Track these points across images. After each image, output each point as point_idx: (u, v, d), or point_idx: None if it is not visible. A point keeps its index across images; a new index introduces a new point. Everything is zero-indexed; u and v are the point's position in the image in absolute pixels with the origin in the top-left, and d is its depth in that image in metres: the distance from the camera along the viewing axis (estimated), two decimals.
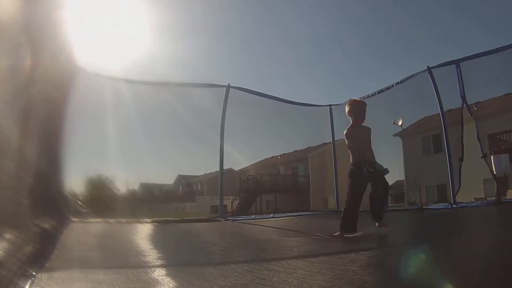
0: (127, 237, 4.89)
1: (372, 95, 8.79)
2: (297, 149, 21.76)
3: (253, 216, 9.20)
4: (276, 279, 1.84)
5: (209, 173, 38.06)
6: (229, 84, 8.51)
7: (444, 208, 7.12)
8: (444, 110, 7.64)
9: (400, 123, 9.73)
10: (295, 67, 60.52)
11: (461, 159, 7.23)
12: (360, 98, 9.07)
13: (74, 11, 3.98)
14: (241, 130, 10.05)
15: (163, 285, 1.84)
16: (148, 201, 28.11)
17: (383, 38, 56.09)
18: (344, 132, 3.91)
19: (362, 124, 3.99)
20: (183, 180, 48.19)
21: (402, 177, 22.85)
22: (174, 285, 1.84)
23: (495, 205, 6.71)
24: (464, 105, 7.10)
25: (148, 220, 7.38)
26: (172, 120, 9.17)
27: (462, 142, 7.30)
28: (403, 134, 19.60)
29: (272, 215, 9.29)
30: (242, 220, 7.83)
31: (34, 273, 1.93)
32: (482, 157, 7.26)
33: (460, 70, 7.09)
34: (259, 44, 58.25)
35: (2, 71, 2.00)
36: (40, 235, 2.74)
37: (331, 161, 10.28)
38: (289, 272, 2.07)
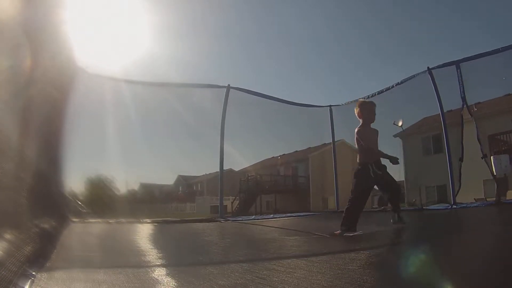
0: (127, 237, 4.89)
1: (372, 96, 8.78)
2: (297, 150, 21.75)
3: (253, 216, 9.20)
4: (276, 279, 1.84)
5: (209, 173, 38.09)
6: (229, 85, 8.51)
7: (444, 209, 7.12)
8: (444, 110, 7.63)
9: (400, 123, 9.72)
10: (295, 67, 60.57)
11: (461, 160, 7.23)
12: (360, 98, 9.15)
13: (74, 11, 3.99)
14: (241, 131, 10.05)
15: (163, 285, 1.84)
16: (148, 201, 28.09)
17: (383, 38, 56.13)
18: (356, 131, 3.91)
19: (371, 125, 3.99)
20: (183, 180, 48.20)
21: (402, 177, 22.82)
22: (174, 285, 1.84)
23: (495, 206, 6.70)
24: (464, 105, 7.09)
25: (148, 220, 7.38)
26: (172, 120, 9.18)
27: (462, 143, 7.30)
28: (403, 134, 19.58)
29: (272, 215, 9.28)
30: (242, 220, 7.82)
31: (34, 273, 1.93)
32: (482, 158, 7.25)
33: (460, 70, 7.09)
34: (259, 44, 58.31)
35: (2, 71, 2.00)
36: (40, 235, 2.74)
37: (331, 161, 10.27)
38: (289, 271, 2.07)
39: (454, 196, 7.17)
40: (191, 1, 35.71)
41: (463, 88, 7.09)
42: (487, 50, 6.80)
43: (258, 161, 28.73)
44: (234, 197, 29.43)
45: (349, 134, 11.30)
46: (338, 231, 3.70)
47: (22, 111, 2.42)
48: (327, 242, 3.58)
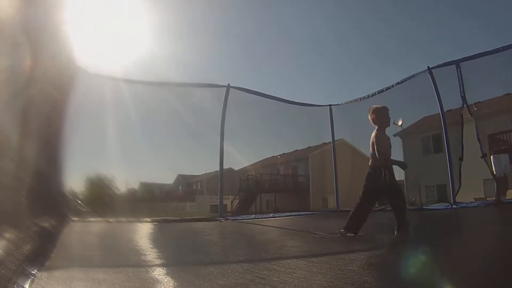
0: (127, 236, 4.89)
1: (372, 95, 8.78)
2: (297, 149, 21.75)
3: (253, 215, 9.17)
4: (276, 279, 1.85)
5: (209, 172, 38.03)
6: (229, 84, 8.50)
7: (444, 208, 7.12)
8: (444, 110, 7.64)
9: (400, 123, 9.72)
10: (295, 67, 60.46)
11: (461, 159, 7.23)
12: (360, 98, 9.16)
13: (74, 11, 3.98)
14: (241, 130, 10.04)
15: (163, 285, 1.84)
16: (148, 200, 28.11)
17: (383, 38, 55.98)
18: (373, 135, 3.90)
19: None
20: (183, 179, 48.18)
21: (402, 177, 22.83)
22: (174, 284, 1.84)
23: (495, 205, 6.71)
24: (464, 105, 7.09)
25: (148, 219, 7.38)
26: (172, 119, 9.16)
27: (462, 142, 7.30)
28: (403, 134, 19.57)
29: (272, 214, 9.28)
30: (242, 219, 7.82)
31: (34, 272, 1.94)
32: (482, 157, 7.25)
33: (460, 70, 7.09)
34: (259, 44, 58.18)
35: (3, 71, 2.00)
36: (40, 234, 2.74)
37: (331, 161, 10.27)
38: (289, 272, 2.07)
39: (454, 196, 7.17)
40: (191, 1, 35.62)
41: (463, 87, 7.09)
42: (487, 50, 6.80)
43: (258, 160, 28.76)
44: (234, 196, 29.40)
45: (349, 133, 11.34)
46: (342, 230, 3.71)
47: (22, 111, 2.42)
48: (327, 242, 3.58)
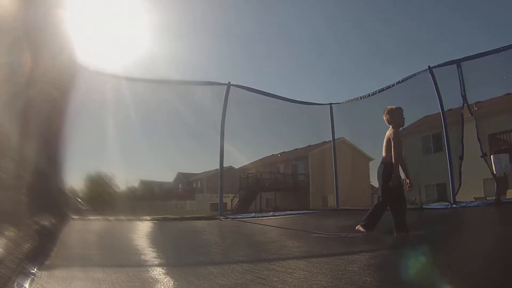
0: (127, 235, 4.89)
1: (373, 94, 8.78)
2: (297, 148, 21.78)
3: (253, 214, 9.18)
4: (276, 279, 1.85)
5: (209, 171, 38.04)
6: (229, 82, 8.49)
7: (444, 208, 7.13)
8: (445, 109, 7.63)
9: None
10: (295, 66, 60.38)
11: (461, 158, 7.23)
12: (360, 97, 9.16)
13: (74, 11, 3.97)
14: (241, 128, 10.03)
15: (163, 284, 1.84)
16: (148, 198, 28.09)
17: (383, 38, 55.90)
18: (392, 131, 3.94)
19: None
20: (183, 177, 48.21)
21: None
22: (174, 284, 1.84)
23: (495, 205, 6.71)
24: (465, 104, 7.08)
25: (148, 218, 7.38)
26: (172, 118, 9.16)
27: (462, 142, 7.30)
28: (404, 133, 19.51)
29: (272, 213, 9.28)
30: (241, 218, 7.83)
31: (34, 271, 1.94)
32: (482, 157, 7.25)
33: (461, 70, 7.08)
34: (259, 44, 58.08)
35: (3, 71, 2.00)
36: (39, 232, 2.74)
37: (331, 159, 10.27)
38: (289, 272, 2.07)
39: (454, 195, 7.18)
40: (191, 1, 35.54)
41: (464, 87, 7.09)
42: (488, 50, 6.80)
43: (258, 158, 28.79)
44: (234, 195, 29.42)
45: (349, 132, 11.35)
46: (360, 227, 3.75)
47: (23, 110, 2.42)
48: (327, 242, 3.58)
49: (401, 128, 4.07)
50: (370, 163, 21.35)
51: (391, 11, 50.03)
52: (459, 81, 7.11)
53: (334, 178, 10.08)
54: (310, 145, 22.27)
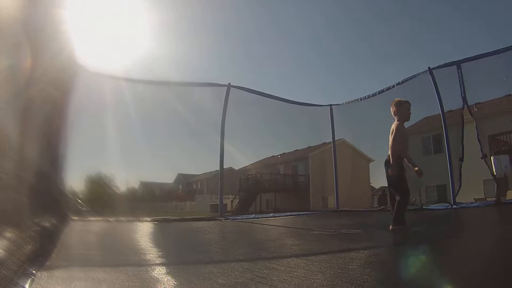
0: (127, 235, 4.89)
1: (373, 95, 8.79)
2: (297, 149, 21.78)
3: (253, 215, 9.19)
4: (276, 278, 1.85)
5: (209, 172, 38.12)
6: (229, 83, 8.50)
7: (444, 209, 7.13)
8: (445, 110, 7.64)
9: None
10: (295, 67, 60.50)
11: (462, 160, 7.23)
12: (360, 98, 9.16)
13: (74, 11, 3.98)
14: (241, 129, 10.04)
15: (163, 284, 1.84)
16: (148, 199, 28.14)
17: (383, 38, 56.06)
18: (396, 124, 3.97)
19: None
20: (183, 179, 48.25)
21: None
22: (174, 283, 1.84)
23: (495, 206, 6.71)
24: (465, 106, 7.09)
25: (148, 218, 7.39)
26: (172, 119, 9.18)
27: (462, 143, 7.30)
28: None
29: (272, 214, 9.29)
30: (242, 219, 7.83)
31: (34, 271, 1.94)
32: (482, 158, 7.25)
33: (461, 71, 7.09)
34: (259, 44, 58.20)
35: (3, 71, 2.01)
36: (40, 233, 2.74)
37: (331, 160, 10.28)
38: (289, 270, 2.07)
39: (454, 196, 7.18)
40: (191, 1, 35.63)
41: (464, 88, 7.09)
42: (488, 51, 6.80)
43: (258, 159, 28.80)
44: (234, 196, 29.43)
45: (349, 133, 11.35)
46: (394, 226, 3.74)
47: (23, 111, 2.42)
48: (327, 241, 3.58)
49: (405, 122, 4.07)
50: (370, 164, 21.38)
51: (391, 12, 50.16)
52: (459, 82, 7.12)
53: (334, 179, 10.08)
54: (310, 146, 22.29)
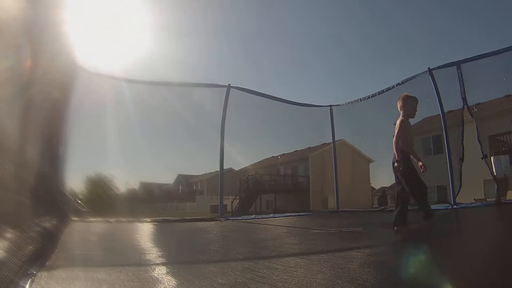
0: (127, 236, 4.89)
1: (372, 96, 8.79)
2: (297, 149, 21.74)
3: (253, 216, 9.19)
4: (276, 277, 1.85)
5: (209, 172, 38.05)
6: (229, 84, 8.51)
7: (445, 209, 7.12)
8: (445, 111, 7.64)
9: None
10: (295, 67, 60.54)
11: (462, 160, 7.24)
12: (360, 99, 9.16)
13: (74, 11, 3.98)
14: (241, 130, 10.05)
15: (164, 284, 1.84)
16: (148, 200, 28.08)
17: (383, 38, 56.12)
18: (400, 120, 3.97)
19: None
20: (183, 179, 48.21)
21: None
22: (175, 283, 1.84)
23: (495, 206, 6.71)
24: (465, 106, 7.09)
25: (148, 219, 7.38)
26: (172, 119, 9.17)
27: (462, 143, 7.30)
28: None
29: (272, 215, 9.28)
30: (242, 219, 7.83)
31: (34, 272, 1.94)
32: (482, 158, 7.25)
33: (461, 71, 7.09)
34: (259, 45, 58.26)
35: (4, 72, 2.01)
36: (40, 234, 2.74)
37: (331, 161, 10.28)
38: (289, 270, 2.07)
39: (455, 196, 7.18)
40: (191, 1, 35.66)
41: (464, 88, 7.09)
42: (488, 51, 6.81)
43: (258, 160, 28.75)
44: (234, 197, 29.42)
45: (349, 134, 11.36)
46: (428, 221, 3.78)
47: (23, 111, 2.42)
48: (327, 240, 3.58)
49: (410, 119, 4.06)
50: (370, 165, 21.34)
51: (391, 11, 50.20)
52: (459, 82, 7.12)
53: (334, 180, 10.08)
54: (310, 147, 22.30)
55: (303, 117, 10.20)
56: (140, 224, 6.62)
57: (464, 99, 7.08)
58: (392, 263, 2.38)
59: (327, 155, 12.06)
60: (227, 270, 2.12)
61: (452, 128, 7.90)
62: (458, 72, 7.11)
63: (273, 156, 27.48)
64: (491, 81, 7.39)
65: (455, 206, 6.93)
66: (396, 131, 3.96)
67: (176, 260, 2.78)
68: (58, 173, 5.39)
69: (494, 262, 2.13)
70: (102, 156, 9.36)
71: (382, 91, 8.57)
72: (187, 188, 47.85)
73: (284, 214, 9.06)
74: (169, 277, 1.99)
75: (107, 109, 7.72)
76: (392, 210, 4.02)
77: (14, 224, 2.14)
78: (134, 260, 2.68)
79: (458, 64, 7.15)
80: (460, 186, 7.23)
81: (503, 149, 14.80)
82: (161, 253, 3.08)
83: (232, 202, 28.75)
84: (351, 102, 9.64)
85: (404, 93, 4.13)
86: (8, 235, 1.95)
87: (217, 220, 7.49)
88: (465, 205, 7.05)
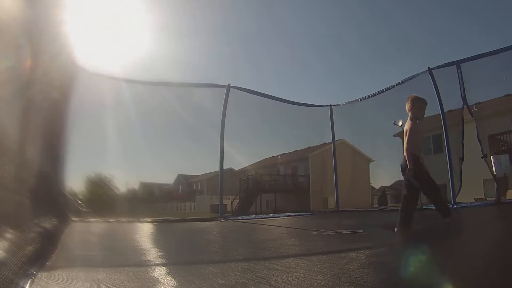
0: (127, 236, 4.89)
1: (372, 96, 8.79)
2: (297, 149, 21.74)
3: (253, 216, 9.18)
4: (276, 278, 1.85)
5: (209, 172, 38.04)
6: (229, 84, 8.50)
7: None
8: (445, 110, 7.64)
9: (400, 123, 9.70)
10: (295, 67, 60.55)
11: (462, 159, 7.24)
12: (360, 99, 9.16)
13: (74, 11, 3.98)
14: (241, 130, 10.05)
15: (164, 285, 1.84)
16: (148, 200, 28.09)
17: (383, 38, 56.12)
18: (410, 125, 3.95)
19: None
20: (183, 179, 48.19)
21: (402, 177, 22.80)
22: (175, 284, 1.84)
23: (495, 206, 6.71)
24: (465, 105, 7.09)
25: (148, 219, 7.38)
26: (172, 119, 9.17)
27: (462, 143, 7.30)
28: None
29: (272, 215, 9.28)
30: (242, 219, 7.83)
31: (34, 272, 1.94)
32: (482, 158, 7.24)
33: (460, 71, 7.09)
34: (259, 44, 58.26)
35: (4, 72, 2.01)
36: (40, 234, 2.74)
37: (331, 161, 10.27)
38: (289, 271, 2.07)
39: (455, 196, 7.18)
40: (191, 1, 35.64)
41: (464, 88, 7.09)
42: (488, 51, 6.80)
43: (258, 160, 28.74)
44: (234, 196, 29.41)
45: (349, 133, 11.35)
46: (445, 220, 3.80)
47: (23, 112, 2.42)
48: (327, 241, 3.58)
49: (418, 121, 4.04)
50: (370, 164, 21.33)
51: (391, 11, 50.21)
52: (459, 82, 7.12)
53: (334, 180, 10.07)
54: (310, 147, 22.29)
55: (303, 117, 10.20)
56: (140, 224, 6.62)
57: (464, 99, 7.08)
58: (392, 264, 2.37)
59: (327, 155, 12.05)
60: (227, 271, 2.12)
61: (452, 127, 7.90)
62: (458, 72, 7.11)
63: (273, 156, 27.46)
64: (490, 80, 7.39)
65: (455, 206, 6.93)
66: (406, 137, 3.91)
67: (176, 261, 2.78)
68: (58, 173, 5.39)
69: (494, 262, 2.13)
70: (102, 156, 9.37)
71: (382, 91, 8.57)
72: (187, 188, 47.84)
73: (284, 214, 9.06)
74: (169, 278, 1.99)
75: (107, 109, 7.72)
76: (392, 210, 4.01)
77: (14, 224, 2.14)
78: (134, 261, 2.68)
79: (458, 63, 7.15)
80: (460, 186, 7.23)
81: (503, 148, 14.81)
82: (161, 253, 3.08)
83: (232, 202, 28.74)
84: (351, 102, 9.64)
85: (413, 94, 4.10)
86: (8, 235, 1.94)
87: (217, 220, 7.49)
88: (465, 204, 7.05)
